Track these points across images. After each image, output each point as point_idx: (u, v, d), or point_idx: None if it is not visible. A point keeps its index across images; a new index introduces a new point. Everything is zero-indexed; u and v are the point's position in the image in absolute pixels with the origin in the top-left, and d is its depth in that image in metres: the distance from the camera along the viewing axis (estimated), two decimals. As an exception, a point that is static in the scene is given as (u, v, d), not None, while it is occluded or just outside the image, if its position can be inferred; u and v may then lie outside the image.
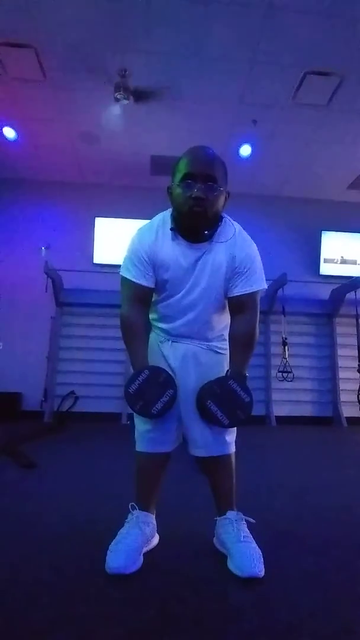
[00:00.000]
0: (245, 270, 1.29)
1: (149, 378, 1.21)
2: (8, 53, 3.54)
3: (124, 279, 1.33)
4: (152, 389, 1.20)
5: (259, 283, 1.32)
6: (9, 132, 4.63)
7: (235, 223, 1.36)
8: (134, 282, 1.30)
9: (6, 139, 4.71)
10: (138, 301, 1.33)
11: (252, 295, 1.31)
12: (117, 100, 3.83)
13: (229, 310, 1.36)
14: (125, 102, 3.84)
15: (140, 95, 3.94)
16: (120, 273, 1.34)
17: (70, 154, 5.09)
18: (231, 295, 1.31)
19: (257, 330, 1.34)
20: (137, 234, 1.35)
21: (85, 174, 5.54)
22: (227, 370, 1.31)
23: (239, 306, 1.32)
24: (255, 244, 1.35)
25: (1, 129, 4.58)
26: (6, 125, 4.54)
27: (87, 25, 3.26)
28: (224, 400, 1.21)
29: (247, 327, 1.31)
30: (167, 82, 3.85)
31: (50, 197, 5.66)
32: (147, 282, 1.30)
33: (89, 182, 5.68)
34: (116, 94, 3.77)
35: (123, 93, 3.76)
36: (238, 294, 1.30)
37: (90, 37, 3.37)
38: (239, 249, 1.30)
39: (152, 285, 1.31)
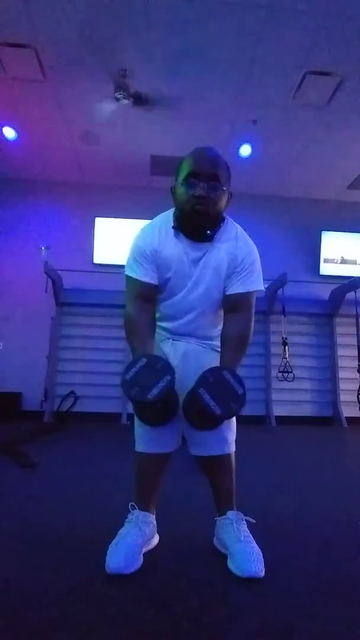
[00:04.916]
0: (244, 270, 1.29)
1: (146, 365, 1.16)
2: (8, 53, 3.54)
3: (128, 278, 1.32)
4: (149, 375, 1.14)
5: (256, 284, 1.31)
6: (9, 132, 4.62)
7: (236, 224, 1.36)
8: (138, 280, 1.30)
9: (6, 139, 4.71)
10: (142, 299, 1.31)
11: (247, 295, 1.30)
12: (117, 100, 3.84)
13: (224, 309, 1.35)
14: (125, 101, 3.85)
15: (139, 101, 3.96)
16: (125, 272, 1.33)
17: (70, 154, 5.09)
18: (227, 294, 1.30)
19: (251, 333, 1.31)
20: (140, 233, 1.35)
21: (85, 174, 5.53)
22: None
23: (233, 305, 1.31)
24: (255, 246, 1.35)
25: (1, 129, 4.58)
26: (6, 125, 4.54)
27: (87, 26, 3.26)
28: (217, 389, 1.15)
29: (240, 327, 1.29)
30: (166, 84, 3.84)
31: (50, 197, 5.66)
32: (151, 279, 1.30)
33: (89, 182, 5.68)
34: (116, 93, 3.78)
35: (123, 93, 3.76)
36: (234, 292, 1.29)
37: (90, 37, 3.36)
38: (240, 250, 1.30)
39: (156, 283, 1.31)
